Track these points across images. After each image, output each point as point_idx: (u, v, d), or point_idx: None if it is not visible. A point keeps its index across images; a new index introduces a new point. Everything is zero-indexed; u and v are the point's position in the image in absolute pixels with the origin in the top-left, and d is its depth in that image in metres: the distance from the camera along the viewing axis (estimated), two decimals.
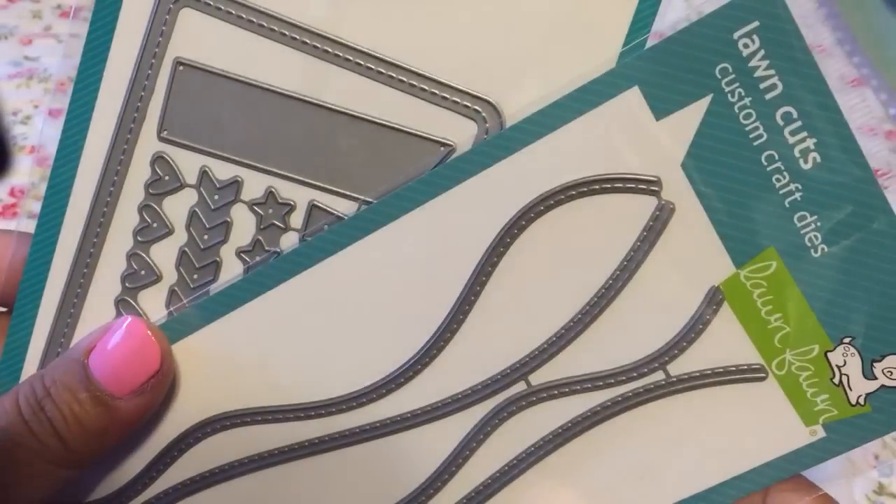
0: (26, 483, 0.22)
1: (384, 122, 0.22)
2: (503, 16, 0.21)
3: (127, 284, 0.24)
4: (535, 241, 0.22)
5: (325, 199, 0.23)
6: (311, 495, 0.24)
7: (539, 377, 0.23)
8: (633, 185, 0.21)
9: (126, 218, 0.23)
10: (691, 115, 0.21)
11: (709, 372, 0.22)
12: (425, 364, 0.23)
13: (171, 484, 0.24)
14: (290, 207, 0.23)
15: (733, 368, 0.22)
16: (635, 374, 0.23)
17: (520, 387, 0.23)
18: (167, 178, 0.23)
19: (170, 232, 0.23)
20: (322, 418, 0.24)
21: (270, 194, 0.23)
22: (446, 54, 0.22)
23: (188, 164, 0.23)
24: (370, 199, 0.22)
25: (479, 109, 0.22)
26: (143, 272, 0.23)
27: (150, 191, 0.23)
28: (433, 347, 0.23)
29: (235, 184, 0.23)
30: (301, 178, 0.23)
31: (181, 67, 0.23)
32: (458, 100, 0.22)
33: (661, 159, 0.21)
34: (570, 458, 0.23)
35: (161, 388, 0.23)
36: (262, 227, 0.23)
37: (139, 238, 0.23)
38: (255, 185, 0.23)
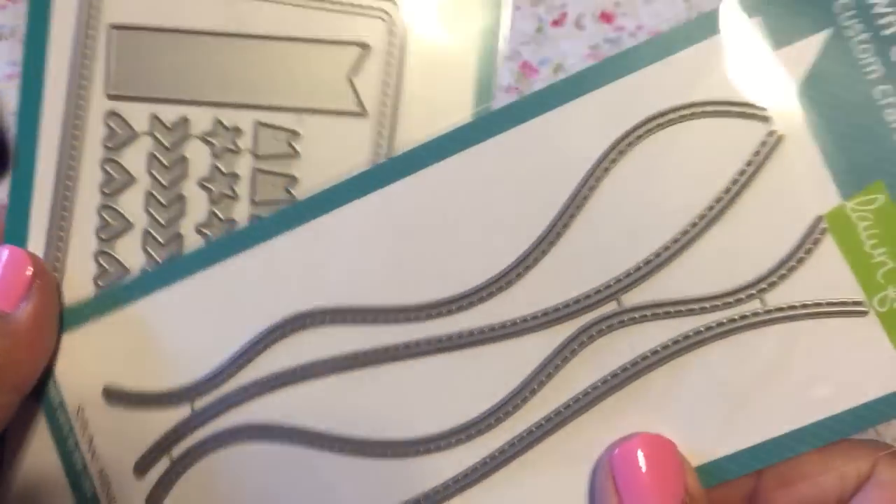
0: None
1: (304, 38, 0.25)
2: None
3: (102, 237, 0.25)
4: (642, 160, 0.23)
5: (267, 118, 0.25)
6: (389, 403, 0.24)
7: (631, 298, 0.23)
8: (743, 111, 0.22)
9: (91, 176, 0.25)
10: (809, 48, 0.22)
11: (809, 303, 0.22)
12: (518, 276, 0.23)
13: (252, 379, 0.24)
14: (239, 131, 0.25)
15: (833, 301, 0.22)
16: (731, 301, 0.22)
17: (611, 307, 0.23)
18: (121, 131, 0.25)
19: (133, 180, 0.25)
20: (409, 324, 0.24)
21: (218, 124, 0.25)
22: None
23: (138, 114, 0.25)
24: (303, 107, 0.25)
25: (384, 9, 0.25)
26: (115, 223, 0.25)
27: (108, 145, 0.25)
28: (528, 259, 0.23)
29: (185, 121, 0.25)
30: (242, 103, 0.25)
31: (116, 30, 0.25)
32: (364, 3, 0.25)
33: (776, 88, 0.22)
34: (656, 384, 0.23)
35: (47, 288, 0.24)
36: (216, 154, 0.25)
37: (105, 191, 0.25)
38: (202, 119, 0.25)
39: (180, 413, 0.24)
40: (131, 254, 0.25)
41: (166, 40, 0.25)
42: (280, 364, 0.24)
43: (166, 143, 0.25)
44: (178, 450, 0.24)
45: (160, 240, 0.25)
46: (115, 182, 0.25)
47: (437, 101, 0.25)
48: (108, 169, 0.25)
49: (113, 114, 0.25)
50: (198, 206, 0.25)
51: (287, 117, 0.25)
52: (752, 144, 0.22)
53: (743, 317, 0.22)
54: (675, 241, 0.22)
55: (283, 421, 0.24)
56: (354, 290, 0.24)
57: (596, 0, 0.30)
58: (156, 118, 0.25)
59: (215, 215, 0.25)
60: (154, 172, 0.25)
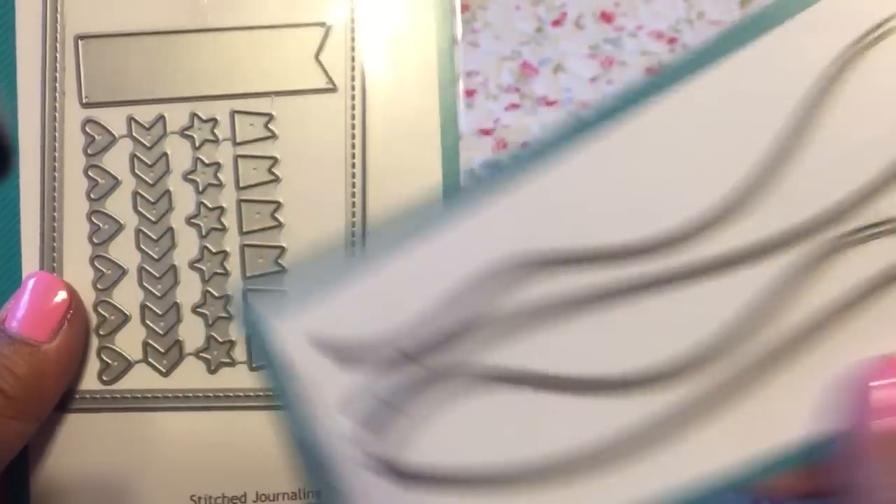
0: None
1: (268, 25, 0.26)
2: None
3: (95, 241, 0.26)
4: (863, 78, 0.21)
5: (241, 105, 0.26)
6: (586, 348, 0.21)
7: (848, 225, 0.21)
8: None
9: (76, 185, 0.26)
10: None
11: None
12: (731, 211, 0.21)
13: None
14: (215, 122, 0.26)
15: None
16: None
17: (830, 231, 0.21)
18: (100, 137, 0.26)
19: (118, 182, 0.26)
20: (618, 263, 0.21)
21: (194, 117, 0.26)
22: None
23: (115, 118, 0.26)
24: (274, 91, 0.26)
25: None
26: (106, 226, 0.26)
27: (89, 152, 0.26)
28: (742, 194, 0.21)
29: (161, 119, 0.26)
30: (216, 94, 0.26)
31: (82, 41, 0.26)
32: None
33: None
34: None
35: (78, 321, 0.25)
36: (196, 146, 0.26)
37: (93, 197, 0.26)
38: (178, 115, 0.26)
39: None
40: (126, 254, 0.26)
41: (134, 44, 0.26)
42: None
43: (146, 143, 0.26)
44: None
45: (153, 236, 0.26)
46: (101, 186, 0.26)
47: (402, 68, 0.26)
48: (92, 175, 0.26)
49: (90, 121, 0.26)
50: (185, 198, 0.26)
51: (260, 102, 0.26)
52: None
53: None
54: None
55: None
56: (573, 229, 0.22)
57: (596, 0, 0.30)
58: (133, 119, 0.26)
59: (203, 205, 0.26)
60: (138, 172, 0.26)
